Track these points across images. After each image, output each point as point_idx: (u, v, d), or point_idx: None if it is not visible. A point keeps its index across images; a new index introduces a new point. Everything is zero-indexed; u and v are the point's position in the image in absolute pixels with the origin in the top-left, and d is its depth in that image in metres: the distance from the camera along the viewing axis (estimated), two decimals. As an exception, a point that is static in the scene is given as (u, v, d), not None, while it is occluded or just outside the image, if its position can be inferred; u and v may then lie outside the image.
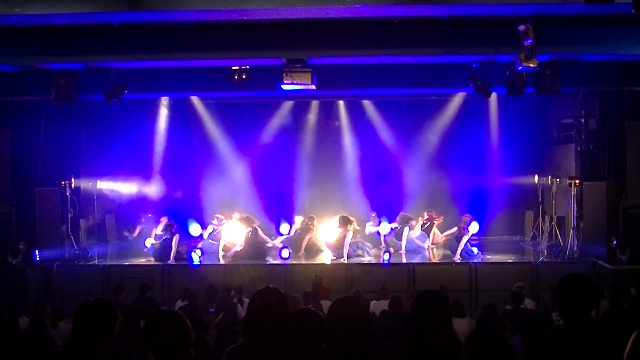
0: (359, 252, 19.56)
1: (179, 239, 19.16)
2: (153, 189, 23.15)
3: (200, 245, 19.73)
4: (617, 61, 16.36)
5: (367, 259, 19.25)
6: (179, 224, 19.80)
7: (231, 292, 15.01)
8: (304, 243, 19.97)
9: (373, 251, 19.90)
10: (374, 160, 23.22)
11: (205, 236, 19.96)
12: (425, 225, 20.86)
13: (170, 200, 22.73)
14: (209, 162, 23.33)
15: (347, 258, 18.76)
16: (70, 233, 19.47)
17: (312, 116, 23.40)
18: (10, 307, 12.79)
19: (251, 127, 23.14)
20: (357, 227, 19.70)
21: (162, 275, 17.97)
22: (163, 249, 18.99)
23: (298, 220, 20.64)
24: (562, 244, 19.26)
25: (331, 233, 19.95)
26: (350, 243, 19.03)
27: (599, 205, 18.54)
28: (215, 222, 19.97)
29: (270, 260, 18.97)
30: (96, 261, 19.13)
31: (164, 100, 22.47)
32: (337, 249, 19.00)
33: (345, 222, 19.10)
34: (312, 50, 15.18)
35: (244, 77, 16.41)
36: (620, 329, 5.00)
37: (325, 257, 19.45)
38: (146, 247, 19.90)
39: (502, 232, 22.83)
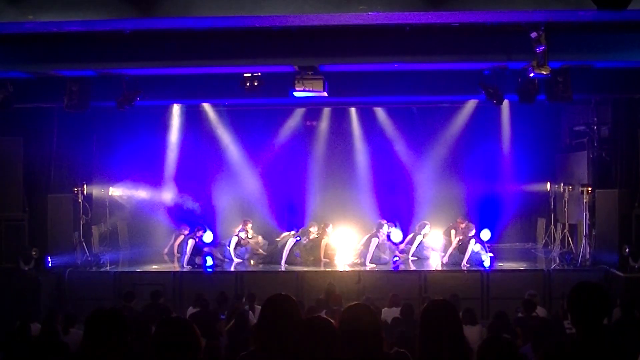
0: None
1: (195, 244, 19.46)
2: (165, 196, 23.19)
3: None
4: (629, 68, 16.30)
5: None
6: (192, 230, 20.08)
7: (243, 299, 15.04)
8: (323, 249, 20.03)
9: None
10: (386, 168, 23.21)
11: (232, 246, 20.38)
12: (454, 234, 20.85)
13: (182, 206, 22.73)
14: (221, 169, 23.35)
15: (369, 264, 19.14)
16: (83, 239, 19.53)
17: (324, 123, 23.41)
18: (22, 313, 12.83)
19: (263, 134, 23.16)
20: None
21: (174, 282, 18.02)
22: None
23: (313, 230, 20.54)
24: (574, 251, 19.23)
25: (344, 239, 20.24)
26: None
27: (611, 213, 18.51)
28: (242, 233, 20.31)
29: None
30: (108, 267, 19.19)
31: (176, 107, 22.51)
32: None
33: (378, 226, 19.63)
34: (323, 57, 15.17)
35: (255, 84, 16.41)
36: (632, 337, 5.00)
37: (339, 263, 19.59)
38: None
39: (514, 239, 22.80)
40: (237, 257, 20.24)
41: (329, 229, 20.32)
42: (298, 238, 20.04)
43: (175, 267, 19.53)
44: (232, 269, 19.36)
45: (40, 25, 12.24)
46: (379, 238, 19.39)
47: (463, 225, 20.27)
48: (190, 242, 19.69)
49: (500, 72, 16.44)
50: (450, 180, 22.72)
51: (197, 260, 19.54)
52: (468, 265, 18.67)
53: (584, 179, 19.97)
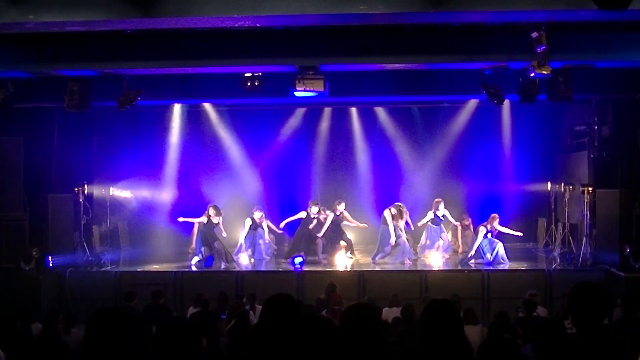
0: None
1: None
2: (166, 195, 23.21)
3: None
4: (630, 68, 16.31)
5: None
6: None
7: (243, 299, 15.03)
8: (326, 225, 20.17)
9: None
10: (386, 167, 23.25)
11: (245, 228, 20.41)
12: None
13: (182, 206, 22.72)
14: (222, 169, 23.36)
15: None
16: (83, 239, 19.53)
17: (325, 123, 23.44)
18: (23, 313, 12.81)
19: (264, 134, 23.18)
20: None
21: (174, 282, 18.00)
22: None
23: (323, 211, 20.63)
24: (574, 251, 19.22)
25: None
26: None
27: (612, 213, 18.49)
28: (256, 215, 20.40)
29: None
30: (109, 267, 19.20)
31: (177, 107, 22.53)
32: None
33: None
34: (324, 57, 15.18)
35: (256, 84, 16.41)
36: (633, 337, 4.99)
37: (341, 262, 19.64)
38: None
39: (515, 239, 22.73)
40: (247, 248, 20.33)
41: (341, 207, 20.36)
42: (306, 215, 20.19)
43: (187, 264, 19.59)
44: (242, 264, 19.56)
45: (41, 25, 12.26)
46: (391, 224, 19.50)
47: (467, 222, 20.46)
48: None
49: (501, 72, 16.43)
50: (451, 180, 22.76)
51: (205, 251, 19.51)
52: (473, 256, 18.81)
53: (584, 179, 19.98)
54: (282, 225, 20.66)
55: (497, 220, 19.15)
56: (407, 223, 20.01)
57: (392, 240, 19.30)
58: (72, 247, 19.20)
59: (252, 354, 5.16)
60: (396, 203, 19.97)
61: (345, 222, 20.47)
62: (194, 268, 19.42)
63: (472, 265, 18.98)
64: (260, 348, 5.05)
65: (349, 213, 20.66)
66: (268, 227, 20.67)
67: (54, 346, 6.33)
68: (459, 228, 20.97)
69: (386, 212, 19.55)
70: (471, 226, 21.08)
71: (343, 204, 20.41)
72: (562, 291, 15.01)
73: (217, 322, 12.95)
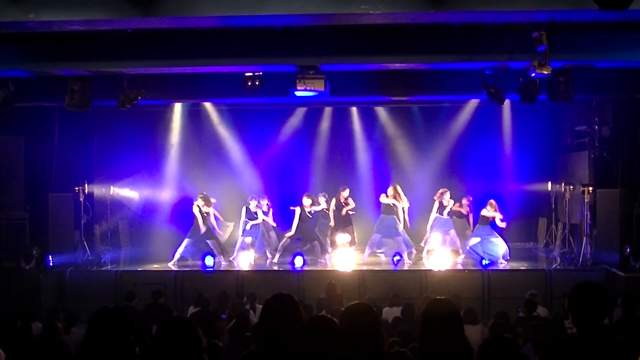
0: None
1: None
2: (166, 195, 23.19)
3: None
4: (631, 68, 16.29)
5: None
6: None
7: (244, 299, 15.04)
8: (331, 211, 20.48)
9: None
10: (386, 167, 23.26)
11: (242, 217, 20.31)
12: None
13: (182, 206, 22.70)
14: (222, 168, 23.35)
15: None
16: (84, 239, 19.54)
17: (325, 123, 23.44)
18: (23, 312, 12.82)
19: (264, 133, 23.18)
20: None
21: (175, 281, 18.01)
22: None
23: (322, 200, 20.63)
24: (575, 251, 19.21)
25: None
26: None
27: (612, 213, 18.49)
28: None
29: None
30: (109, 267, 19.20)
31: (177, 107, 22.51)
32: None
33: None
34: (325, 56, 15.17)
35: (257, 83, 16.39)
36: (633, 337, 4.99)
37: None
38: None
39: (515, 239, 22.72)
40: (246, 237, 20.25)
41: (345, 193, 20.40)
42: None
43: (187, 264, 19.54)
44: (241, 263, 19.55)
45: (42, 24, 12.26)
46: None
47: (466, 202, 20.47)
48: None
49: (502, 72, 16.40)
50: (451, 180, 22.68)
51: (190, 243, 19.48)
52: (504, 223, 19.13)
53: (585, 179, 19.98)
54: (288, 234, 20.42)
55: (492, 205, 19.16)
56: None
57: (400, 227, 19.35)
58: (72, 246, 19.21)
59: (253, 354, 5.17)
60: (392, 184, 20.06)
61: (348, 209, 20.50)
62: (172, 260, 19.47)
63: (469, 260, 19.03)
64: (261, 348, 5.05)
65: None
66: (266, 221, 20.63)
67: (53, 346, 6.34)
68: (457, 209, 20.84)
69: (382, 199, 19.58)
70: (471, 212, 20.90)
71: (347, 190, 20.47)
72: (562, 291, 15.01)
73: (218, 322, 12.95)
